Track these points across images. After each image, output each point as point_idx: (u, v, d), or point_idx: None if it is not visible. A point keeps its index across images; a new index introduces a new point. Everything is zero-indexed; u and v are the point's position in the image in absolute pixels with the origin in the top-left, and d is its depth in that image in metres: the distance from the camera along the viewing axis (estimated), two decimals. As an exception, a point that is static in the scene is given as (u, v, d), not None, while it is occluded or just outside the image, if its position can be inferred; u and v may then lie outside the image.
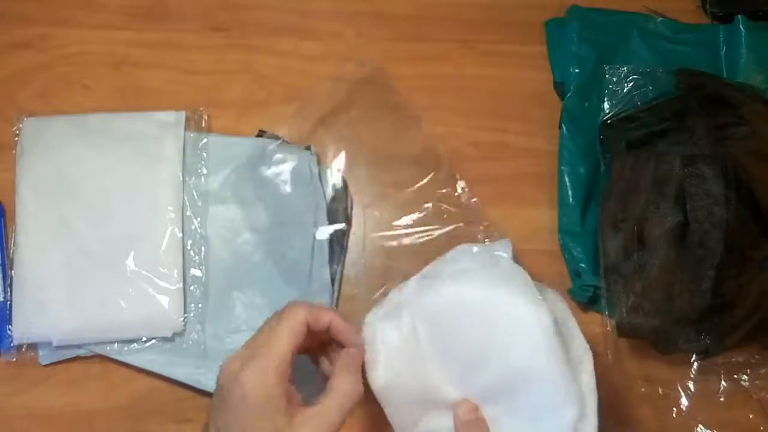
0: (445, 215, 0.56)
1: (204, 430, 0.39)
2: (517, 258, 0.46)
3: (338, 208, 0.56)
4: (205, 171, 0.55)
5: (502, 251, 0.46)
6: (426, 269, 0.46)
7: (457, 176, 0.57)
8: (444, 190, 0.57)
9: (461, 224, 0.56)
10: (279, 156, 0.56)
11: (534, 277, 0.44)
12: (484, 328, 0.42)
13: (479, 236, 0.55)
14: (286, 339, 0.38)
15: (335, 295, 0.54)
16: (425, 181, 0.57)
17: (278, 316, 0.40)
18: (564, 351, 0.41)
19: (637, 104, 0.56)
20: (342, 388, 0.39)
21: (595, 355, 0.54)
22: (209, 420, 0.38)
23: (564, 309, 0.45)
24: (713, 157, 0.51)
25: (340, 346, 0.42)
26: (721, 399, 0.53)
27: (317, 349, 0.43)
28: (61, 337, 0.51)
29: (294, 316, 0.39)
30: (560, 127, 0.59)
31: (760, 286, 0.51)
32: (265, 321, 0.41)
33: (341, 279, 0.55)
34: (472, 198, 0.57)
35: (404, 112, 0.59)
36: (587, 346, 0.44)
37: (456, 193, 0.57)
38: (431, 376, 0.43)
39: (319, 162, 0.57)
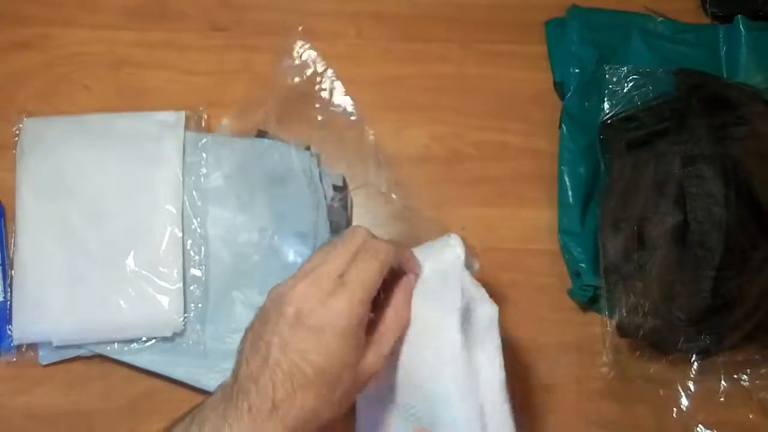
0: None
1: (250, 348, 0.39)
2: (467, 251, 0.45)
3: (338, 208, 0.56)
4: (204, 171, 0.55)
5: (451, 248, 0.45)
6: None
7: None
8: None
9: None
10: (279, 156, 0.56)
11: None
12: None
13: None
14: (377, 278, 0.39)
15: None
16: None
17: (366, 246, 0.40)
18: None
19: (637, 104, 0.56)
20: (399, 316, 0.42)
21: (595, 355, 0.54)
22: (257, 338, 0.38)
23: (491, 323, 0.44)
24: (713, 157, 0.51)
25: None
26: (721, 399, 0.53)
27: None
28: (61, 337, 0.51)
29: (387, 257, 0.40)
30: (560, 127, 0.59)
31: (760, 286, 0.51)
32: (332, 246, 0.41)
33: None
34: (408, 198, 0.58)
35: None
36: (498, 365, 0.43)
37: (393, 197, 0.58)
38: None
39: (318, 162, 0.57)
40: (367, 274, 0.39)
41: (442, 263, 0.44)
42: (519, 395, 0.53)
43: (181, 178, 0.54)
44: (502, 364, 0.42)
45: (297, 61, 0.59)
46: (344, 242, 0.41)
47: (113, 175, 0.54)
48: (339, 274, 0.39)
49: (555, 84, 0.61)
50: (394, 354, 0.42)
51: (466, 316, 0.42)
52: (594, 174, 0.57)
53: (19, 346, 0.51)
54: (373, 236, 0.42)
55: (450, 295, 0.42)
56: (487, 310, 0.43)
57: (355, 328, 0.38)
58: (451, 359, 0.41)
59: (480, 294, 0.44)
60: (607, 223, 0.54)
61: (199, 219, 0.54)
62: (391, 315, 0.42)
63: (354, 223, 0.57)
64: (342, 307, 0.37)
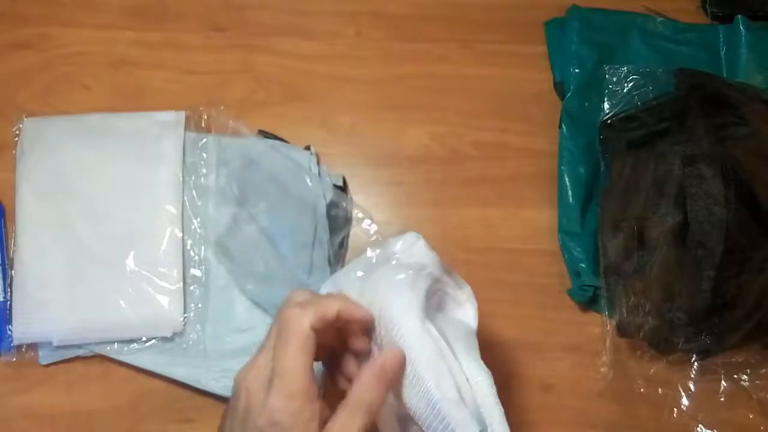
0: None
1: None
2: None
3: (338, 208, 0.56)
4: (204, 171, 0.55)
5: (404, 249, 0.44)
6: (337, 275, 0.46)
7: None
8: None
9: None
10: (279, 156, 0.56)
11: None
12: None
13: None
14: (299, 360, 0.36)
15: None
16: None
17: (281, 325, 0.37)
18: (447, 381, 0.39)
19: (637, 104, 0.56)
20: (357, 397, 0.37)
21: (595, 355, 0.54)
22: None
23: (470, 319, 0.43)
24: (713, 157, 0.51)
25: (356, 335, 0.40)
26: (721, 399, 0.53)
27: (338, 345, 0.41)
28: (61, 337, 0.51)
29: (299, 328, 0.37)
30: (560, 127, 0.59)
31: (760, 286, 0.51)
32: (271, 325, 0.38)
33: (341, 279, 0.55)
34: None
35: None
36: (483, 369, 0.40)
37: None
38: None
39: (318, 162, 0.57)
40: (284, 363, 0.36)
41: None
42: (519, 395, 0.53)
43: (181, 178, 0.54)
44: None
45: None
46: (271, 329, 0.38)
47: (113, 175, 0.54)
48: (269, 369, 0.36)
49: (555, 84, 0.61)
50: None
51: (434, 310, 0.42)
52: (594, 174, 0.57)
53: (19, 346, 0.51)
54: (295, 304, 0.38)
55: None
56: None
57: (297, 417, 0.35)
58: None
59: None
60: (607, 223, 0.54)
61: (199, 219, 0.54)
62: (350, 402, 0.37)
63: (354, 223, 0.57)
64: (277, 406, 0.35)
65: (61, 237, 0.52)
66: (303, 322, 0.37)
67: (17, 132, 0.55)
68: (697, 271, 0.50)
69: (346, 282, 0.43)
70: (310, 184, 0.55)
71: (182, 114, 0.56)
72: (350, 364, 0.41)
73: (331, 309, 0.38)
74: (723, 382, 0.53)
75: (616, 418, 0.53)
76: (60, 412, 0.51)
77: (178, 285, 0.52)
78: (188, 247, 0.53)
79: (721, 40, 0.62)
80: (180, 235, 0.53)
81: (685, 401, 0.53)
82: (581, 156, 0.58)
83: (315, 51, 0.61)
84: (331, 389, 0.42)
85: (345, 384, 0.41)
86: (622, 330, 0.53)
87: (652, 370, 0.54)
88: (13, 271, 0.52)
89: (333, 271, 0.54)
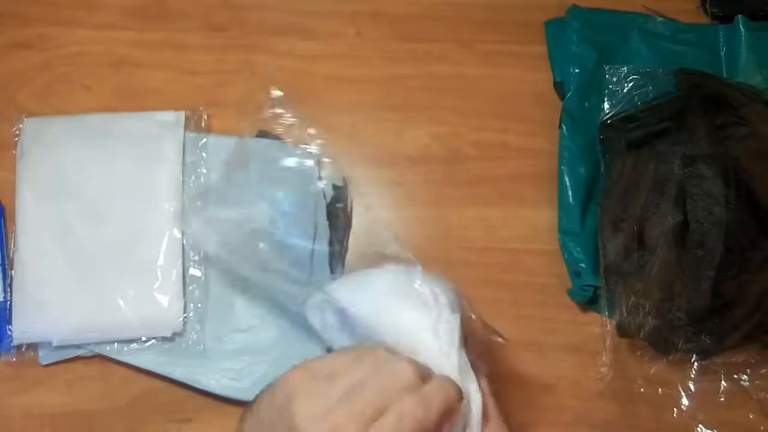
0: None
1: None
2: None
3: (338, 208, 0.56)
4: (204, 171, 0.55)
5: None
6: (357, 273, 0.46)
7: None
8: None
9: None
10: (279, 156, 0.56)
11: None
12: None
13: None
14: None
15: (335, 295, 0.54)
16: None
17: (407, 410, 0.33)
18: None
19: (637, 104, 0.56)
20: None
21: (595, 355, 0.54)
22: None
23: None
24: (713, 157, 0.51)
25: None
26: (721, 399, 0.53)
27: None
28: (61, 337, 0.51)
29: (425, 423, 0.34)
30: (560, 127, 0.59)
31: (760, 286, 0.51)
32: (368, 379, 0.34)
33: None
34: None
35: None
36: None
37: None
38: None
39: (318, 162, 0.57)
40: None
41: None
42: (519, 395, 0.53)
43: (181, 178, 0.54)
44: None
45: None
46: (377, 379, 0.34)
47: (113, 175, 0.54)
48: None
49: (555, 84, 0.61)
50: None
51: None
52: (594, 174, 0.57)
53: (19, 346, 0.51)
54: (420, 381, 0.35)
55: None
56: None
57: None
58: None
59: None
60: (607, 223, 0.54)
61: (198, 219, 0.54)
62: None
63: (354, 226, 0.57)
64: None
65: (61, 237, 0.52)
66: (430, 419, 0.34)
67: (17, 132, 0.55)
68: (697, 271, 0.50)
69: (371, 294, 0.43)
70: (310, 184, 0.55)
71: (182, 114, 0.56)
72: None
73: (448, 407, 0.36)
74: (723, 382, 0.53)
75: (616, 418, 0.53)
76: (60, 412, 0.51)
77: (177, 285, 0.52)
78: (187, 247, 0.53)
79: (721, 40, 0.62)
80: (179, 235, 0.53)
81: (685, 401, 0.53)
82: (581, 156, 0.58)
83: (315, 51, 0.61)
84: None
85: None
86: (622, 330, 0.53)
87: (652, 370, 0.54)
88: (13, 271, 0.52)
89: (333, 271, 0.54)
